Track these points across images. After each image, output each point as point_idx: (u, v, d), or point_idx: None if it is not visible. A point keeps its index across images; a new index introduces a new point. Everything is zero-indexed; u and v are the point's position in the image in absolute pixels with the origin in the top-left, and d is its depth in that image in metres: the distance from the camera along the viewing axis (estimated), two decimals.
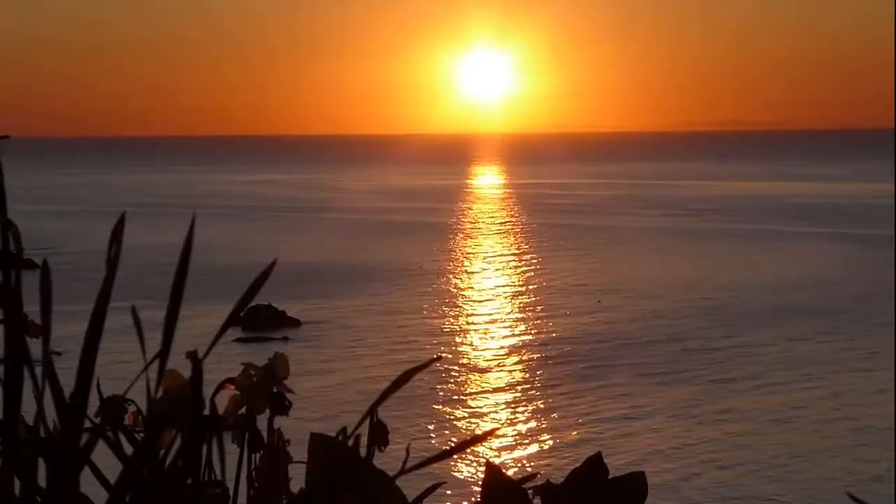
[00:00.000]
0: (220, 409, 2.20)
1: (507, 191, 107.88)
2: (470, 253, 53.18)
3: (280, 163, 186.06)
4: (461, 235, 61.42)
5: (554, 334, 32.69)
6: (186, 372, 1.91)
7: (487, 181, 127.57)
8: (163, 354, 1.82)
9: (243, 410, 2.26)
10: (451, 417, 23.74)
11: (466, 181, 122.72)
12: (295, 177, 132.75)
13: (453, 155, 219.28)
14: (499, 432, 22.56)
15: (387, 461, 2.22)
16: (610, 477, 2.40)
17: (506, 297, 39.78)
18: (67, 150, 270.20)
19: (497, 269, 47.62)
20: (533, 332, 33.31)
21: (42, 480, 1.79)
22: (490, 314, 36.21)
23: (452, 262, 49.49)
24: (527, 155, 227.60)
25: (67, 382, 1.81)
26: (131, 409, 2.14)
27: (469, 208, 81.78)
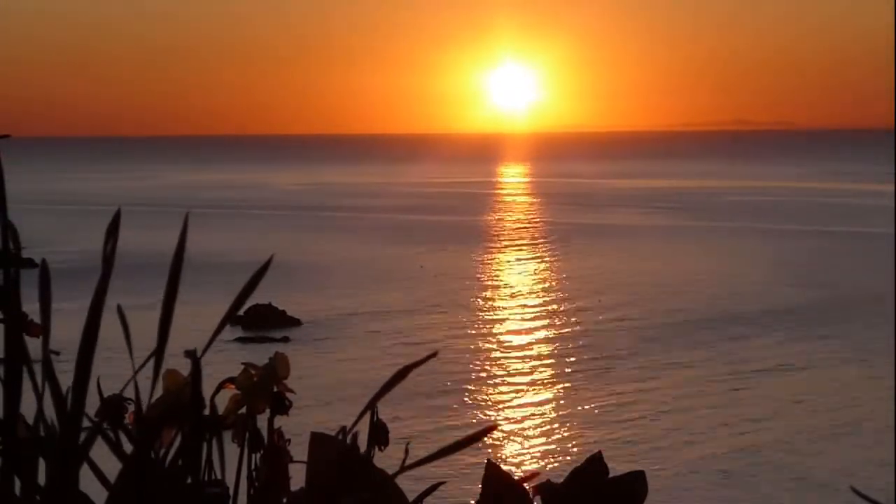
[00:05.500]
0: (220, 409, 2.19)
1: (510, 189, 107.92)
2: (469, 252, 53.15)
3: (317, 161, 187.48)
4: (460, 235, 61.40)
5: (553, 333, 32.70)
6: (185, 370, 1.91)
7: (494, 179, 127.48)
8: (158, 353, 1.82)
9: (243, 410, 2.26)
10: (451, 415, 23.74)
11: (473, 180, 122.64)
12: (310, 177, 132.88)
13: (471, 154, 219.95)
14: (499, 429, 22.54)
15: (387, 460, 2.22)
16: (610, 476, 2.40)
17: (506, 296, 39.77)
18: (50, 149, 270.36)
19: (497, 268, 47.62)
20: (532, 329, 33.31)
21: (42, 479, 1.79)
22: (489, 313, 36.21)
23: (451, 261, 49.48)
24: (534, 154, 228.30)
25: (67, 381, 1.81)
26: (131, 408, 2.13)
27: (470, 207, 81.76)
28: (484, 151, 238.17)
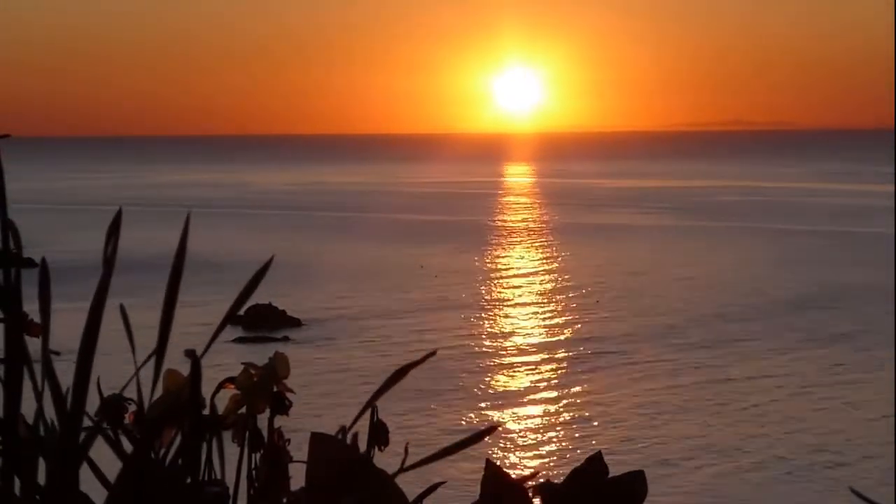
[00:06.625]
0: (221, 409, 2.19)
1: (512, 189, 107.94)
2: (470, 252, 53.15)
3: (321, 160, 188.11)
4: (461, 235, 61.40)
5: (552, 333, 32.71)
6: (185, 369, 1.91)
7: (496, 179, 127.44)
8: (159, 353, 1.82)
9: (243, 410, 2.26)
10: (451, 415, 23.74)
11: (476, 180, 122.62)
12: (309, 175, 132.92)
13: (475, 154, 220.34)
14: (499, 429, 22.53)
15: (387, 460, 2.22)
16: (610, 476, 2.40)
17: (505, 295, 39.78)
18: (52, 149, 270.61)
19: (497, 268, 47.63)
20: (532, 329, 33.32)
21: (42, 479, 1.79)
22: (489, 312, 36.21)
23: (452, 261, 49.48)
24: (537, 154, 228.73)
25: (67, 381, 1.81)
26: (132, 407, 2.13)
27: (471, 207, 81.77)
28: (488, 151, 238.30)
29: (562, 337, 32.15)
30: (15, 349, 1.77)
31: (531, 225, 68.24)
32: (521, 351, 30.46)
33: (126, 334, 1.90)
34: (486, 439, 1.92)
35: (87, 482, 1.88)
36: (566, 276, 44.28)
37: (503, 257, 51.71)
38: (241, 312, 26.17)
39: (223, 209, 77.98)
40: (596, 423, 23.39)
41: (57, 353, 1.86)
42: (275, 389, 2.26)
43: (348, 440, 2.13)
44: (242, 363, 2.28)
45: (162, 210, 73.85)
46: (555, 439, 22.42)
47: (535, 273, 46.14)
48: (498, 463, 2.38)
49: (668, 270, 45.19)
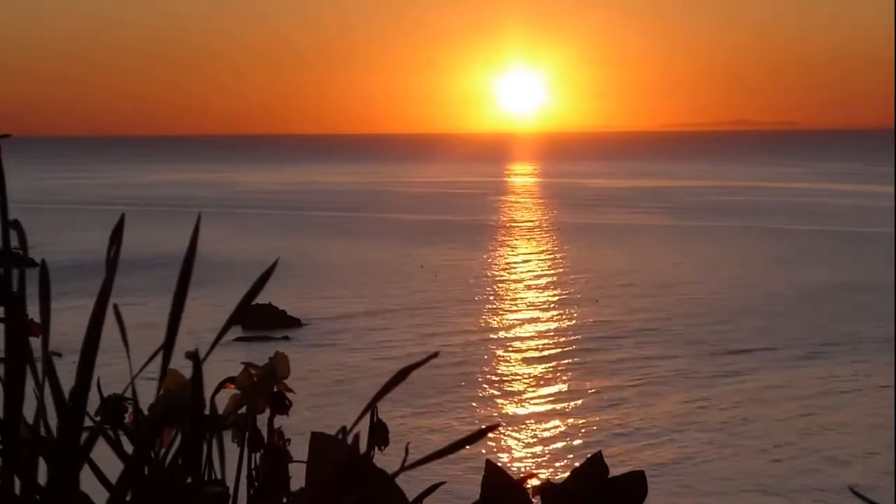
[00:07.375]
0: (221, 409, 2.20)
1: (513, 189, 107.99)
2: (469, 252, 53.16)
3: (325, 160, 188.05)
4: (461, 235, 61.40)
5: (552, 333, 32.70)
6: (187, 371, 1.91)
7: (497, 179, 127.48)
8: (166, 352, 1.82)
9: (243, 410, 2.26)
10: (451, 415, 23.73)
11: (477, 180, 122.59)
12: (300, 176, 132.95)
13: (478, 153, 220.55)
14: (499, 429, 22.53)
15: (387, 460, 2.22)
16: (610, 476, 2.41)
17: (505, 296, 39.78)
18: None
19: (497, 268, 47.63)
20: (531, 329, 33.32)
21: (42, 479, 1.79)
22: (489, 312, 36.21)
23: (452, 261, 49.48)
24: (540, 154, 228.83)
25: (67, 381, 1.81)
26: (132, 408, 2.14)
27: (472, 207, 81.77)
28: (491, 152, 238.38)
29: (561, 337, 32.14)
30: (16, 349, 1.77)
31: (532, 224, 68.25)
32: (521, 351, 30.45)
33: (120, 334, 1.90)
34: (485, 437, 1.92)
35: (88, 482, 1.89)
36: (566, 276, 44.28)
37: (504, 257, 51.70)
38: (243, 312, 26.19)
39: (222, 209, 77.98)
40: (596, 423, 23.40)
41: (59, 355, 1.87)
42: (275, 389, 2.27)
43: (349, 441, 2.13)
44: (242, 363, 2.29)
45: (160, 210, 73.88)
46: (555, 438, 22.42)
47: (536, 273, 46.14)
48: (497, 461, 2.38)
49: (670, 270, 45.20)
